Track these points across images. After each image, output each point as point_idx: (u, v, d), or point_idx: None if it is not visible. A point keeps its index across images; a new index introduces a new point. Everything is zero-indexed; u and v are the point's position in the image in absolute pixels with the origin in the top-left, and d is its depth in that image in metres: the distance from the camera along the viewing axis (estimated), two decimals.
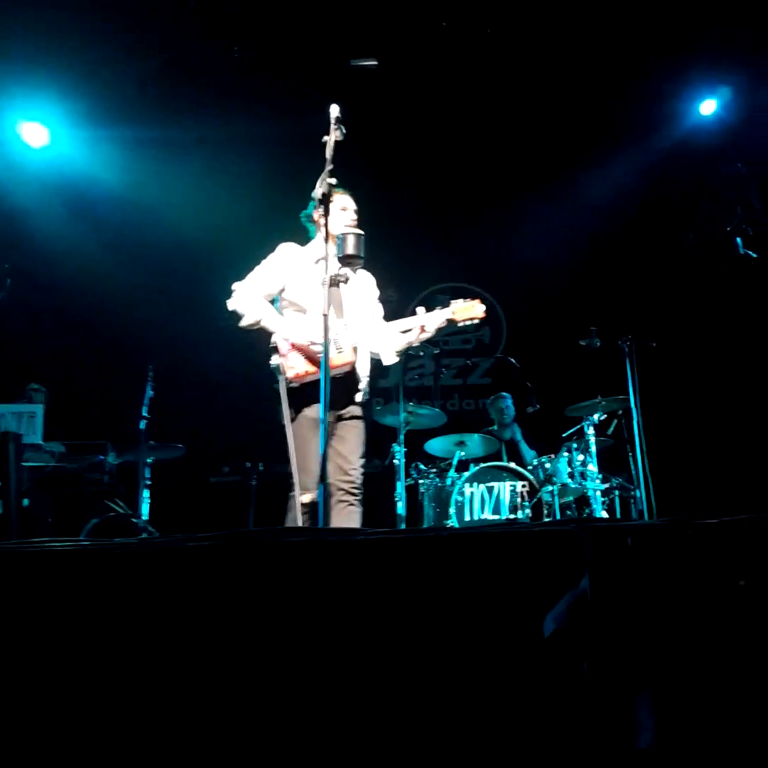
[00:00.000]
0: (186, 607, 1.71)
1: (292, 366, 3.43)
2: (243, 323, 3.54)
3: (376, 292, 3.84)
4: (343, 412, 3.51)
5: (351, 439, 3.48)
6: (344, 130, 3.23)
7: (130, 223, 6.63)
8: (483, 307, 3.63)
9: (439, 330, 3.65)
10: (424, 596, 1.71)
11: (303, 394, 3.40)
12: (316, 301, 3.38)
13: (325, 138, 3.24)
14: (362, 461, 3.52)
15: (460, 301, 3.66)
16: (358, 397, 3.54)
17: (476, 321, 3.62)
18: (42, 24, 5.50)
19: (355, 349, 3.48)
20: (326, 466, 2.98)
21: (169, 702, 1.64)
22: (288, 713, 1.61)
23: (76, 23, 5.55)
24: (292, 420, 3.36)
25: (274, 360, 3.46)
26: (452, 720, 1.58)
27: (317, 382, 3.10)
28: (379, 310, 3.82)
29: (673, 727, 1.45)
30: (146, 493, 5.05)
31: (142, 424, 5.10)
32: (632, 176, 6.84)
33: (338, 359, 3.41)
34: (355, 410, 3.55)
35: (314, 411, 3.31)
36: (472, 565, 1.74)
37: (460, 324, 3.64)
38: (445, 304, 3.67)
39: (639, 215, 6.93)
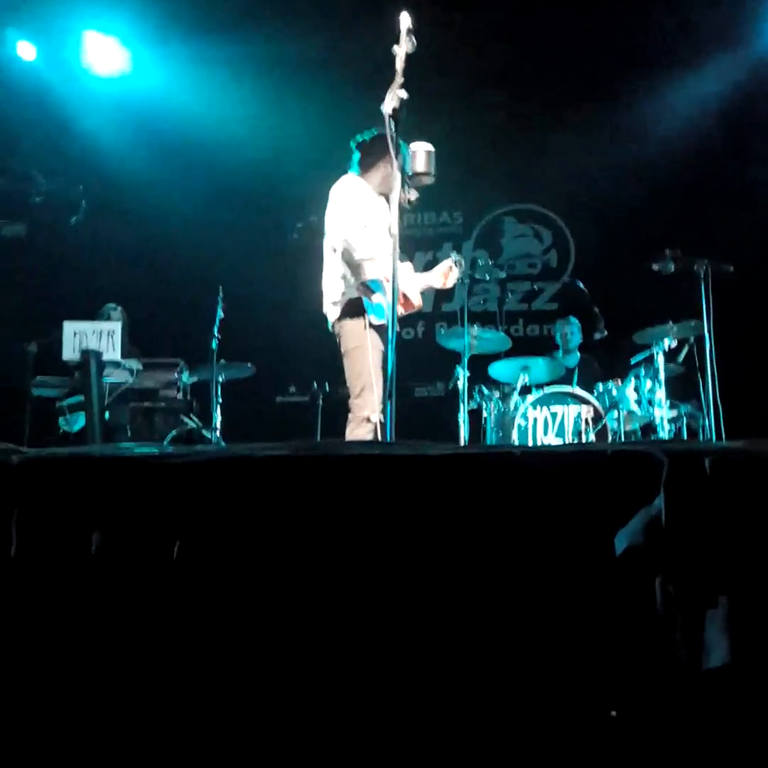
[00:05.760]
0: (258, 517, 1.77)
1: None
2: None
3: None
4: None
5: None
6: (415, 42, 3.11)
7: (200, 144, 6.61)
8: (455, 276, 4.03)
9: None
10: (494, 513, 1.72)
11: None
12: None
13: (395, 48, 3.12)
14: None
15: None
16: None
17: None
18: None
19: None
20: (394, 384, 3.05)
21: (247, 613, 1.69)
22: (361, 627, 1.65)
23: None
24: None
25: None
26: (519, 639, 1.60)
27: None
28: None
29: (746, 648, 1.45)
30: (217, 411, 5.22)
31: (214, 344, 5.24)
32: (711, 93, 6.42)
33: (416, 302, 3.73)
34: None
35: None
36: (542, 485, 1.74)
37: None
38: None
39: (717, 133, 6.55)
